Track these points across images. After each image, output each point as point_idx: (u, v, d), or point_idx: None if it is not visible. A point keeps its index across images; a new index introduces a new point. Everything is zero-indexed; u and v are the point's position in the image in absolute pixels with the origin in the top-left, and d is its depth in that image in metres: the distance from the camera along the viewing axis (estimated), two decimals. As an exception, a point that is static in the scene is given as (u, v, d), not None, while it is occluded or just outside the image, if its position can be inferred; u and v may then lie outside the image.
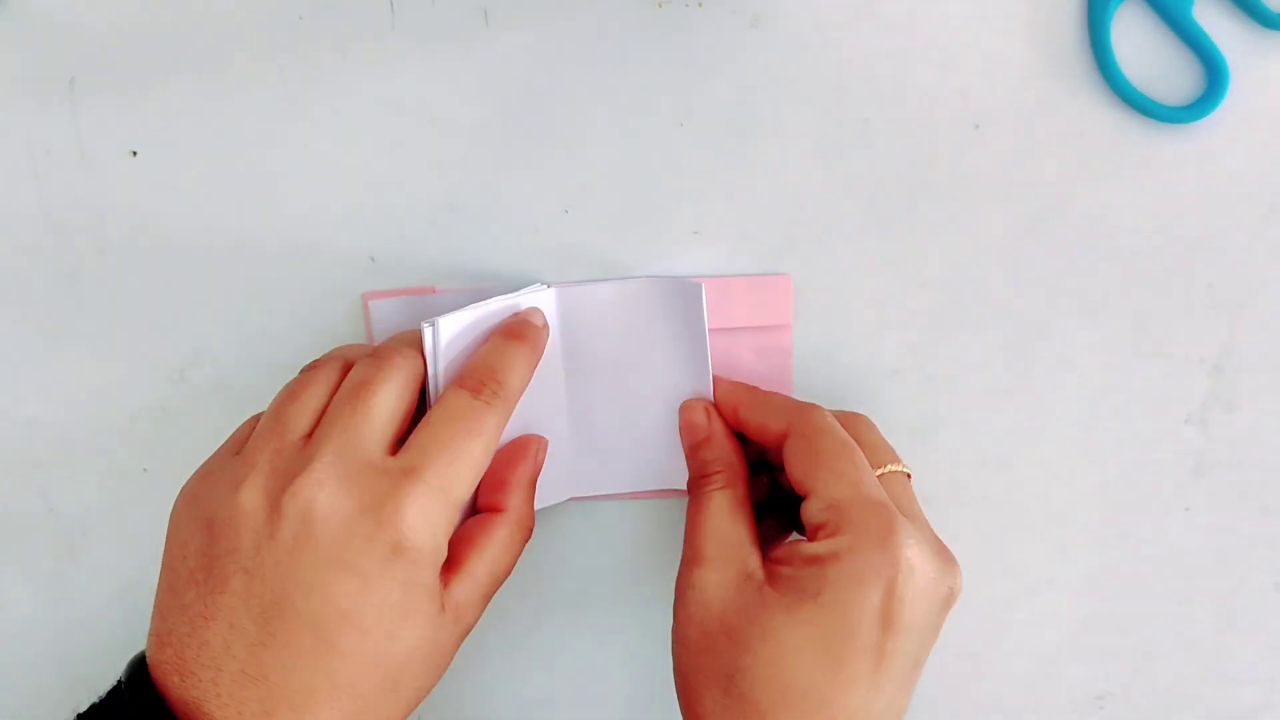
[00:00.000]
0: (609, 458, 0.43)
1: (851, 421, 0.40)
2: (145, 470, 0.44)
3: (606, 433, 0.43)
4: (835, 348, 0.43)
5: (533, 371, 0.40)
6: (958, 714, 0.44)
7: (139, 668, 0.35)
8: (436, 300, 0.43)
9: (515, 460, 0.40)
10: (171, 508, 0.37)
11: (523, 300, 0.41)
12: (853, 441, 0.38)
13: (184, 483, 0.37)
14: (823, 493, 0.36)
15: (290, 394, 0.37)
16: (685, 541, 0.39)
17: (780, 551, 0.37)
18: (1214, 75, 0.41)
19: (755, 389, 0.42)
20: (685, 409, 0.42)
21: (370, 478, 0.34)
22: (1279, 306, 0.42)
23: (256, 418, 0.38)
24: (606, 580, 0.44)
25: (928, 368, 0.43)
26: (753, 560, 0.37)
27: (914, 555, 0.35)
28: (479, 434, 0.36)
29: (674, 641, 0.38)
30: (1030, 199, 0.42)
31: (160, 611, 0.35)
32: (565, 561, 0.44)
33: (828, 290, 0.43)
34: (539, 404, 0.42)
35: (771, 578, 0.36)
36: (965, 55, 0.41)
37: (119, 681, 0.35)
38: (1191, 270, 0.42)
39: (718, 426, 0.41)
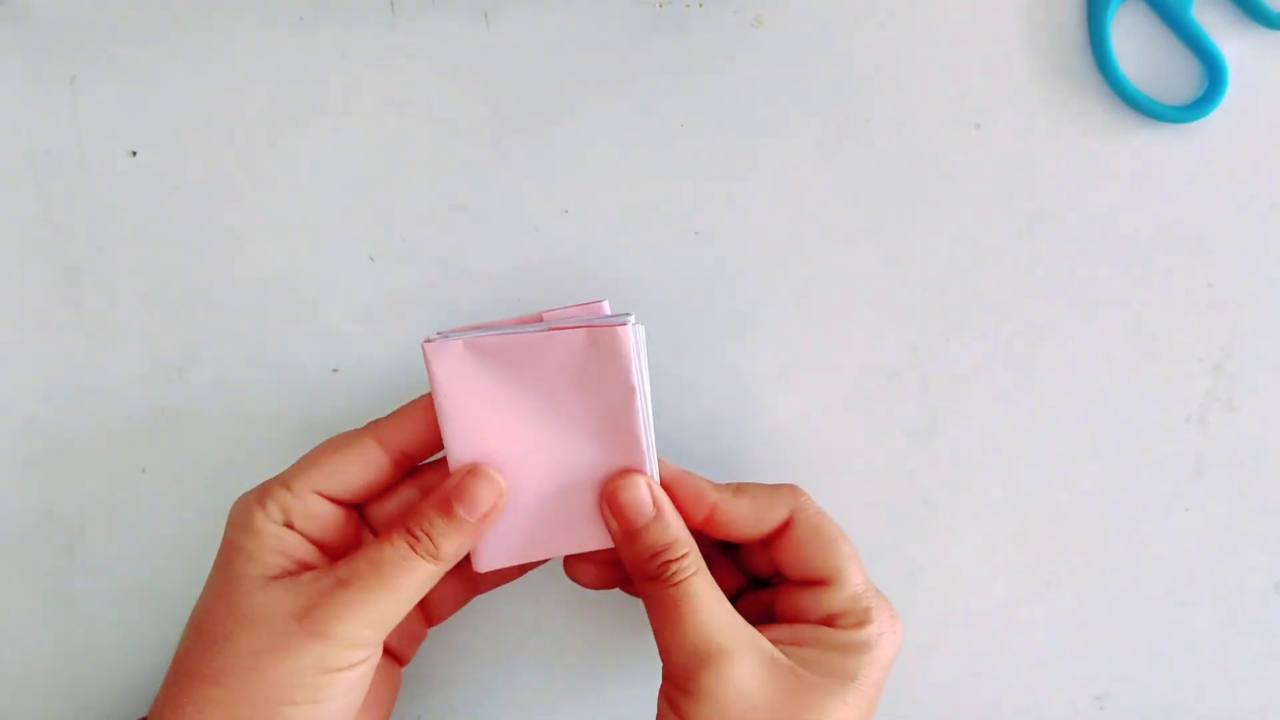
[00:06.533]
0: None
1: (792, 494, 0.39)
2: (145, 470, 0.44)
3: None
4: (835, 348, 0.43)
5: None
6: (957, 715, 0.44)
7: None
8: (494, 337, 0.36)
9: None
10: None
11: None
12: None
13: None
14: (846, 582, 0.37)
15: None
16: (672, 645, 0.35)
17: (787, 633, 0.37)
18: (1214, 75, 0.41)
19: (720, 486, 0.38)
20: (622, 488, 0.36)
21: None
22: (1279, 306, 0.42)
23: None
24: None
25: (928, 368, 0.43)
26: (765, 642, 0.36)
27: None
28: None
29: None
30: (1030, 199, 0.42)
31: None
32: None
33: (828, 291, 0.43)
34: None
35: (800, 660, 0.36)
36: (966, 55, 0.42)
37: None
38: (1191, 270, 0.42)
39: (666, 502, 0.36)
